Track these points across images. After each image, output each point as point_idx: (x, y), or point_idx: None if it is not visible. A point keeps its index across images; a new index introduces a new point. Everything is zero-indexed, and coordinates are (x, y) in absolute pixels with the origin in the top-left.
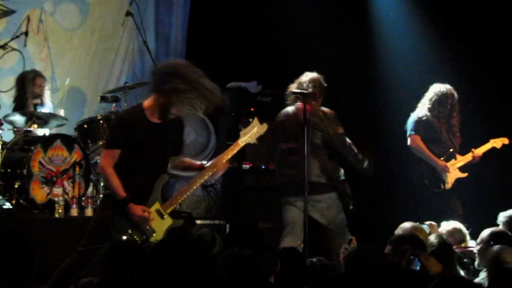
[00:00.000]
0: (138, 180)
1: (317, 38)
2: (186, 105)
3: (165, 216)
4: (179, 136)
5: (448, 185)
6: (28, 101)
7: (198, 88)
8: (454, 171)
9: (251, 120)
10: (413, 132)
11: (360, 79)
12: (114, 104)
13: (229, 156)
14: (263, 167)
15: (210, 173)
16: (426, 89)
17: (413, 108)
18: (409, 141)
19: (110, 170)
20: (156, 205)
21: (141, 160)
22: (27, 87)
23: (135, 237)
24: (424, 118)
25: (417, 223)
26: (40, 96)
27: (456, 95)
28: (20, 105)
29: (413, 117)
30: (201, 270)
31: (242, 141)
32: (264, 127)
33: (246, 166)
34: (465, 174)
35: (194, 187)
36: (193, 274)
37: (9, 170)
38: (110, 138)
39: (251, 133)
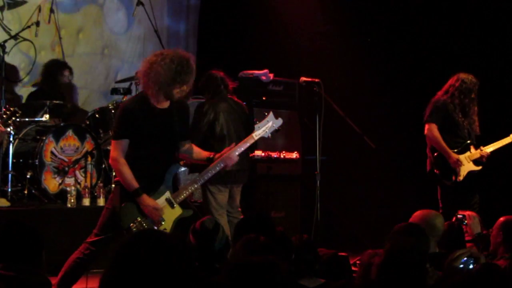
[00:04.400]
0: (148, 169)
1: (330, 27)
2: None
3: (175, 206)
4: (186, 120)
5: (460, 178)
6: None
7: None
8: (467, 164)
9: (266, 114)
10: (430, 120)
11: (373, 67)
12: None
13: (243, 149)
14: (275, 156)
15: (222, 165)
16: (448, 77)
17: (433, 95)
18: (425, 129)
19: (122, 160)
20: (167, 194)
21: (150, 148)
22: (52, 77)
23: (144, 225)
24: (443, 107)
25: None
26: (63, 87)
27: (477, 86)
28: (38, 93)
29: (433, 104)
30: (173, 264)
31: (256, 134)
32: (279, 121)
33: (258, 155)
34: (479, 168)
35: (206, 178)
36: (164, 268)
37: (21, 160)
38: (117, 128)
39: (266, 127)
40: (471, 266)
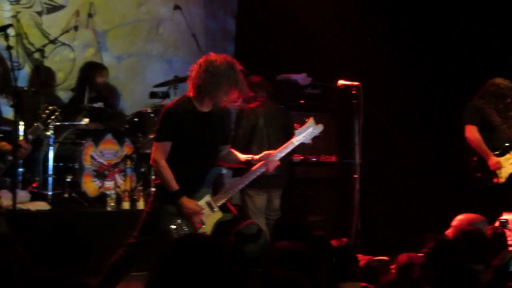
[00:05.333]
0: (189, 172)
1: (367, 30)
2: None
3: (215, 209)
4: (227, 125)
5: (502, 180)
6: (86, 94)
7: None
8: (508, 166)
9: (306, 120)
10: (470, 122)
11: (412, 70)
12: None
13: (283, 154)
14: (313, 159)
15: (263, 170)
16: (484, 81)
17: (470, 98)
18: (465, 131)
19: (163, 162)
20: (207, 197)
21: (192, 151)
22: (89, 79)
23: (183, 227)
24: (482, 109)
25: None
26: (99, 89)
27: None
28: (78, 97)
29: (471, 107)
30: (212, 268)
31: (296, 140)
32: (320, 127)
33: (297, 158)
34: None
35: (247, 182)
36: (204, 272)
37: (61, 164)
38: (160, 130)
39: (306, 133)
40: None
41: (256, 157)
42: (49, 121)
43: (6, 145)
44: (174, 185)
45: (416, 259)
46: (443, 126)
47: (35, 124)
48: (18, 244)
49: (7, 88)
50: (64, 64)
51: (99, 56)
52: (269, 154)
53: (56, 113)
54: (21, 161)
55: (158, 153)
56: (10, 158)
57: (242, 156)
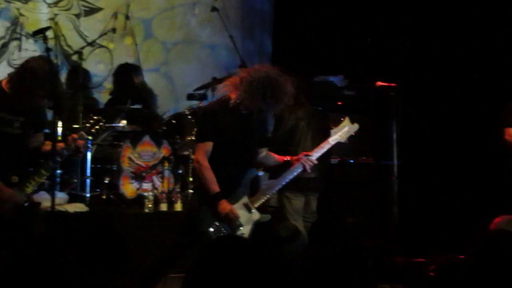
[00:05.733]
0: (227, 173)
1: (405, 31)
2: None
3: (252, 210)
4: (265, 126)
5: None
6: (125, 95)
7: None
8: None
9: (342, 119)
10: (510, 125)
11: (450, 71)
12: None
13: (319, 154)
14: (351, 161)
15: (300, 169)
16: None
17: (509, 98)
18: (506, 134)
19: (206, 163)
20: (244, 199)
21: (230, 152)
22: (124, 81)
23: (222, 229)
24: None
25: None
26: (137, 91)
27: None
28: (115, 99)
29: (510, 108)
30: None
31: (333, 139)
32: (355, 126)
33: (334, 160)
34: None
35: (284, 183)
36: (240, 273)
37: (99, 166)
38: (201, 131)
39: (342, 132)
40: None
41: (294, 158)
42: (93, 130)
43: (61, 145)
44: (215, 187)
45: (457, 260)
46: (482, 127)
47: (81, 132)
48: (65, 246)
49: (55, 91)
50: (102, 66)
51: (137, 57)
52: (306, 154)
53: (101, 123)
54: (59, 163)
55: (201, 154)
56: (66, 153)
57: (281, 157)
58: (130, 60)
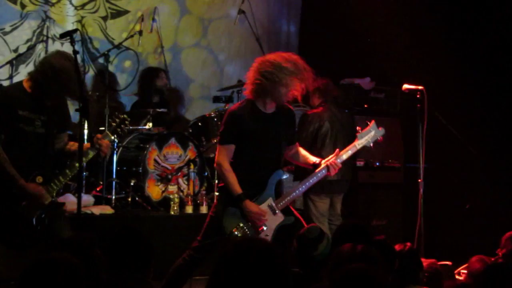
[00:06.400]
0: (252, 174)
1: (432, 34)
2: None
3: (277, 212)
4: (292, 124)
5: None
6: (150, 98)
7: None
8: None
9: (368, 122)
10: None
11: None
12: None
13: (345, 158)
14: (377, 164)
15: (325, 172)
16: None
17: None
18: None
19: (226, 165)
20: (269, 201)
21: (255, 154)
22: (147, 85)
23: (246, 230)
24: None
25: None
26: (161, 93)
27: None
28: (141, 102)
29: None
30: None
31: (359, 143)
32: (382, 131)
33: (360, 163)
34: None
35: (308, 185)
36: (260, 276)
37: (124, 168)
38: (224, 133)
39: (368, 136)
40: None
41: (321, 160)
42: (119, 129)
43: (87, 145)
44: (237, 188)
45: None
46: (511, 130)
47: (106, 131)
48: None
49: (82, 94)
50: (129, 69)
51: (163, 59)
52: (333, 156)
53: (126, 122)
54: (85, 165)
55: (222, 156)
56: (90, 152)
57: (311, 158)
58: (156, 62)
